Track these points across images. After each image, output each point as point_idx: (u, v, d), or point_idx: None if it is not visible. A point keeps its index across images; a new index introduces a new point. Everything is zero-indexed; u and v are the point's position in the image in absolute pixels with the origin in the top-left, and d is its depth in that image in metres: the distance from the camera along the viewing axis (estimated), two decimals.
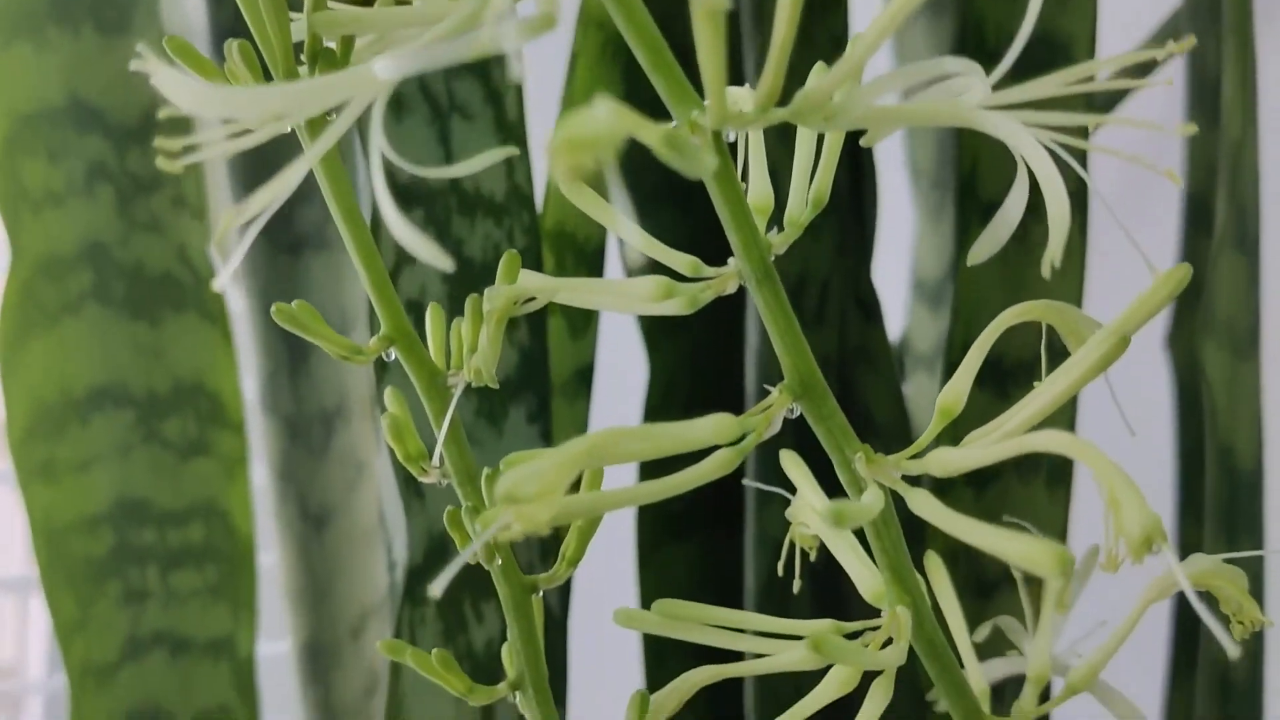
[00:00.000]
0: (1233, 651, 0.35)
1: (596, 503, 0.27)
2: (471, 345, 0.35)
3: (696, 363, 0.68)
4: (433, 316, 0.37)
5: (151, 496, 0.60)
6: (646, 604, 0.68)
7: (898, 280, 0.76)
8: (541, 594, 0.38)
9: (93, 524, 0.59)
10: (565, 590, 0.58)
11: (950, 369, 0.47)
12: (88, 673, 0.57)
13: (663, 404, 0.67)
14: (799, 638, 0.37)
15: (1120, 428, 0.67)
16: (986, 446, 0.28)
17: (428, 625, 0.54)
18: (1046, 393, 0.28)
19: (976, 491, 0.54)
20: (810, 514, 0.41)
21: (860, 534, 0.38)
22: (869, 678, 0.34)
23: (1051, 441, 0.27)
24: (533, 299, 0.34)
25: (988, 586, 0.55)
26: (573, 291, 0.34)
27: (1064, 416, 0.54)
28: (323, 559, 0.64)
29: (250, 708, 0.59)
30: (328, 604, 0.64)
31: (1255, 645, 0.65)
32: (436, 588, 0.27)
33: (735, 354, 0.68)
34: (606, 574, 0.64)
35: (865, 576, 0.37)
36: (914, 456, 0.32)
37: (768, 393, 0.68)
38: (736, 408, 0.68)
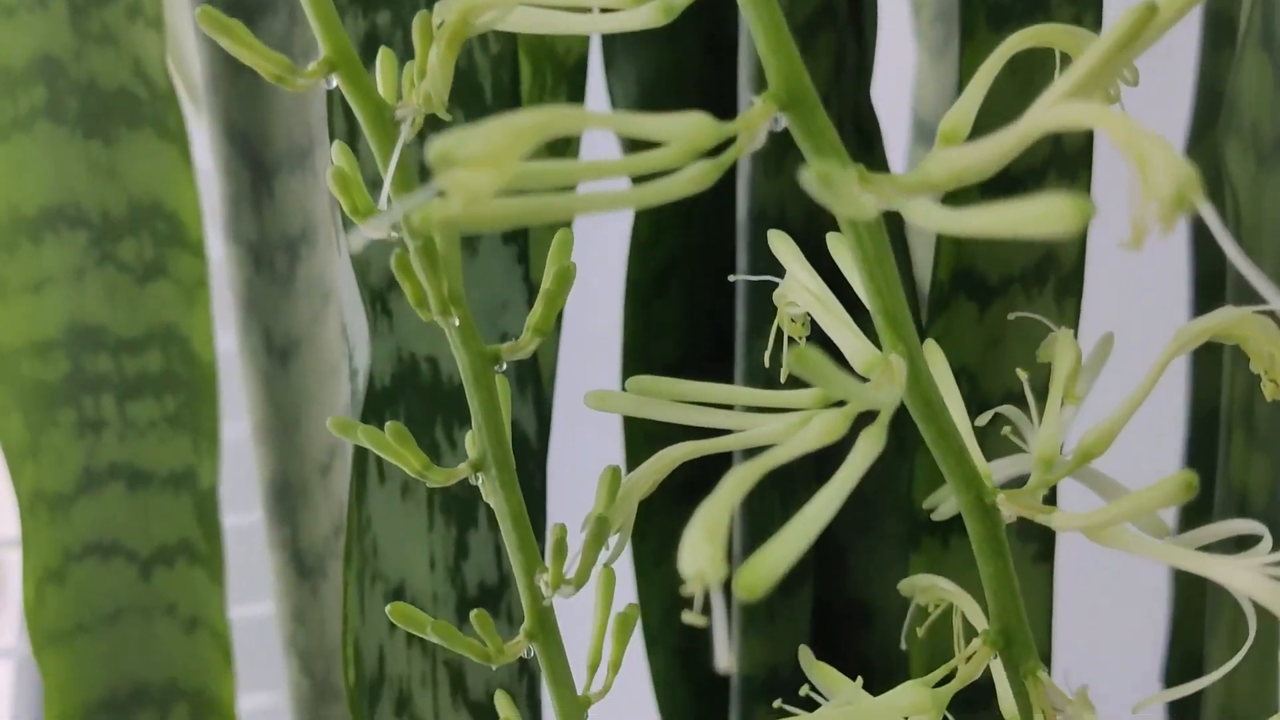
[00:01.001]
0: (1270, 393, 0.31)
1: (557, 176, 0.24)
2: (421, 69, 0.31)
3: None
4: (384, 60, 0.34)
5: (107, 322, 0.56)
6: (632, 444, 0.66)
7: (898, 118, 0.73)
8: (504, 367, 0.35)
9: (44, 349, 0.55)
10: (544, 417, 0.54)
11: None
12: (39, 501, 0.54)
13: (651, 237, 0.64)
14: (789, 410, 0.34)
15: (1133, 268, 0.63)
16: (991, 140, 0.24)
17: None
18: (1066, 79, 0.24)
19: (980, 308, 0.51)
20: (800, 291, 0.38)
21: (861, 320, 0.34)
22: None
23: (1065, 115, 0.23)
24: (490, 14, 0.30)
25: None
26: (534, 6, 0.31)
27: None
28: (288, 393, 0.61)
29: (213, 543, 0.57)
30: (294, 440, 0.61)
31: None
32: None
33: (727, 184, 0.64)
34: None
35: (858, 348, 0.34)
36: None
37: (760, 232, 0.64)
38: (728, 245, 0.65)
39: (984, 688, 0.48)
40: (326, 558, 0.62)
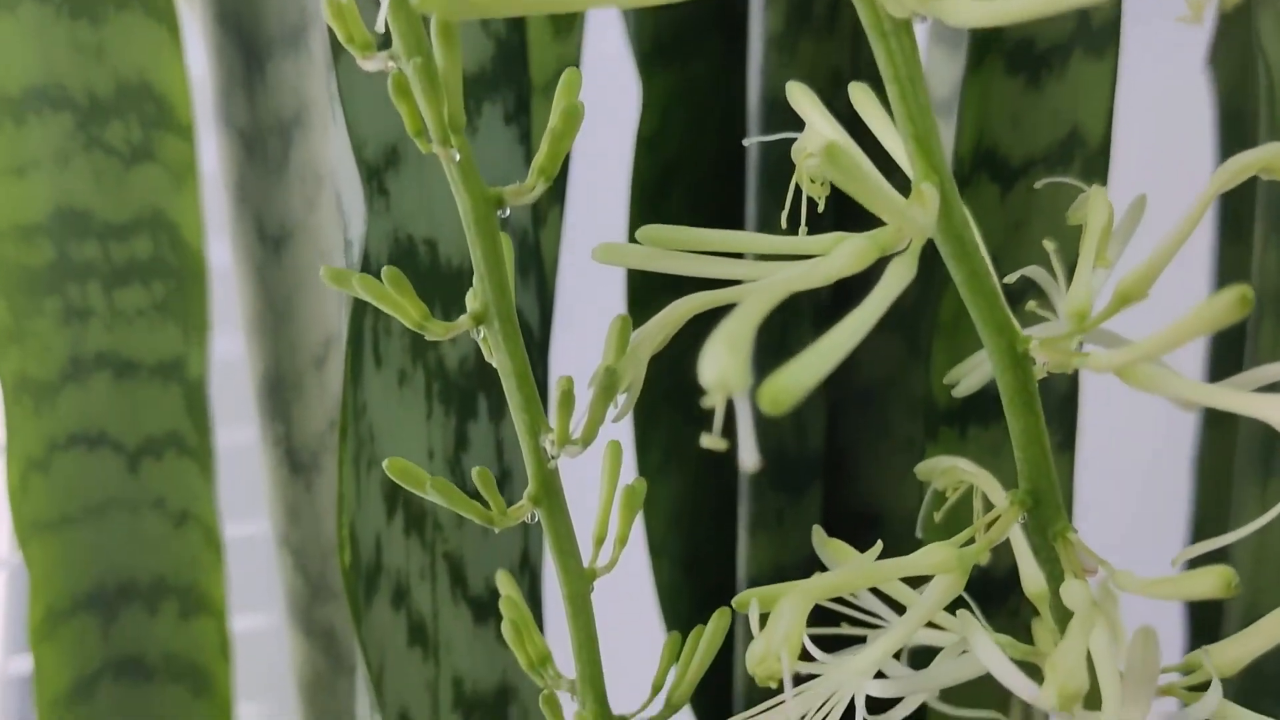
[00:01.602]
0: None
1: None
2: None
3: (694, 91, 0.63)
4: None
5: (93, 207, 0.54)
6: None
7: None
8: (507, 213, 0.33)
9: (29, 233, 0.53)
10: (546, 308, 0.53)
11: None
12: (23, 389, 0.52)
13: (658, 134, 0.62)
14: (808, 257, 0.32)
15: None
16: None
17: (393, 338, 0.49)
18: None
19: (1002, 191, 0.49)
20: (820, 142, 0.36)
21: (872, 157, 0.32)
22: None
23: None
24: None
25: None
26: None
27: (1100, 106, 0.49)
28: (281, 283, 0.59)
29: (203, 435, 0.55)
30: (287, 332, 0.59)
31: None
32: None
33: (737, 81, 0.62)
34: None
35: (882, 198, 0.32)
36: None
37: (773, 120, 0.62)
38: (736, 145, 0.63)
39: (998, 582, 0.47)
40: (321, 454, 0.61)
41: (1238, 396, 0.27)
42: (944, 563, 0.31)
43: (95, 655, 0.53)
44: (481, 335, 0.34)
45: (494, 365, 0.35)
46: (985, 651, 0.28)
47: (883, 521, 0.63)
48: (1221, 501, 0.53)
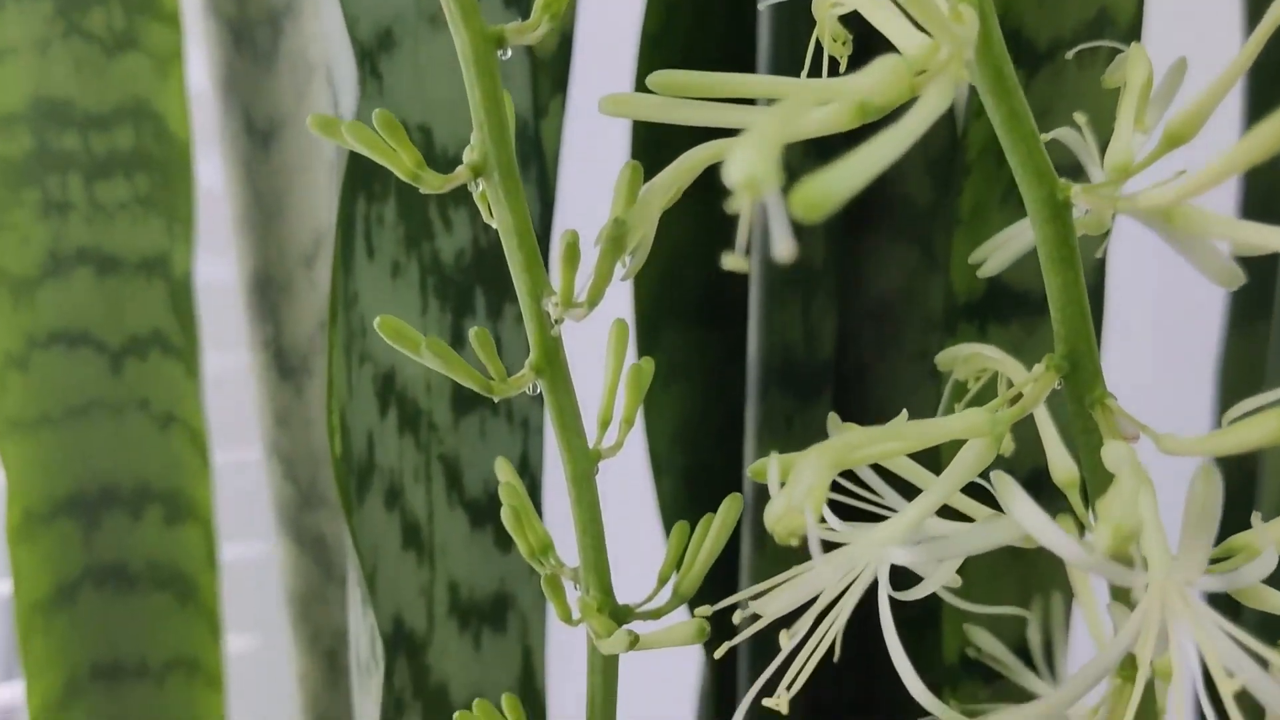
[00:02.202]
0: None
1: None
2: None
3: None
4: None
5: (74, 97, 0.52)
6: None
7: None
8: (508, 54, 0.31)
9: (6, 123, 0.51)
10: (547, 200, 0.50)
11: None
12: (1, 283, 0.50)
13: (664, 30, 0.59)
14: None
15: None
16: None
17: (386, 229, 0.47)
18: None
19: (1027, 75, 0.46)
20: None
21: None
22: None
23: None
24: None
25: None
26: None
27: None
28: (270, 178, 0.57)
29: (189, 333, 0.53)
30: (276, 229, 0.57)
31: None
32: None
33: None
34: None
35: (917, 40, 0.30)
36: None
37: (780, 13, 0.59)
38: (746, 40, 0.60)
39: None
40: (311, 356, 0.58)
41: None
42: (977, 426, 0.29)
43: (76, 562, 0.51)
44: (480, 189, 0.32)
45: (493, 226, 0.32)
46: (1022, 509, 0.26)
47: None
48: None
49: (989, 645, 0.47)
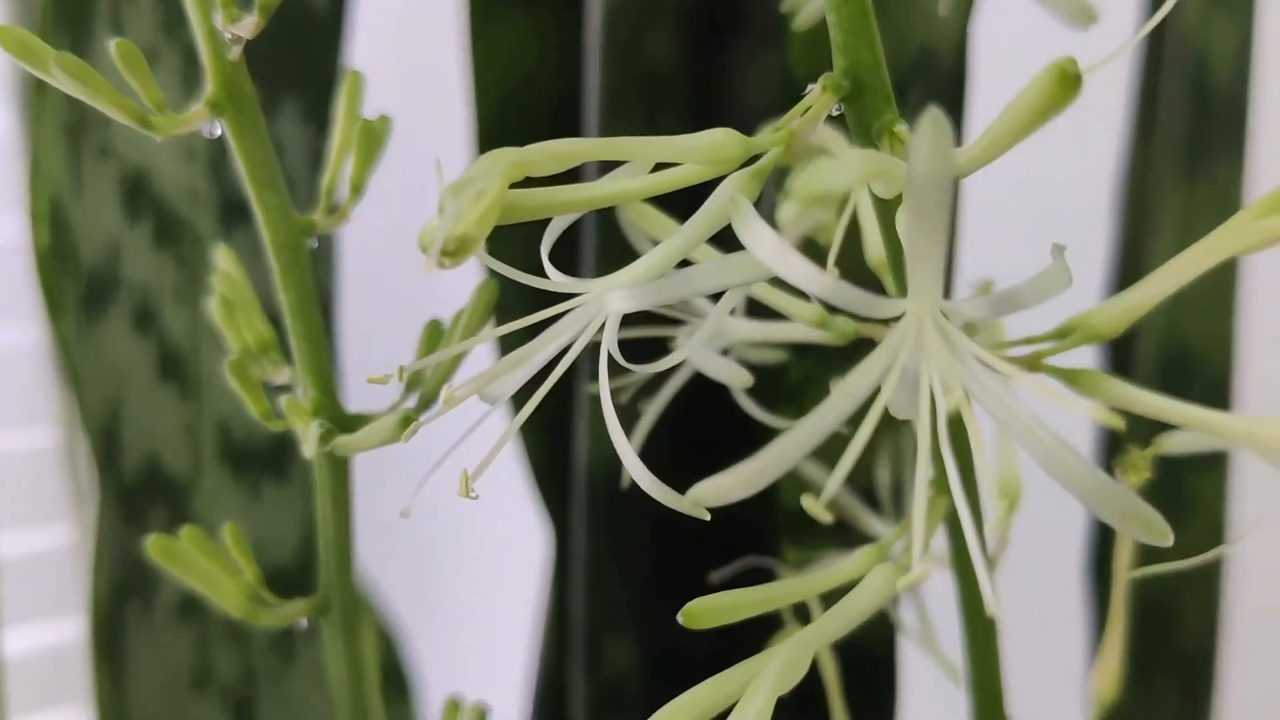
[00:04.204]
0: None
1: None
2: None
3: None
4: None
5: None
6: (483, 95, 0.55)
7: None
8: None
9: None
10: None
11: None
12: None
13: None
14: None
15: None
16: None
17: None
18: None
19: None
20: None
21: None
22: None
23: None
24: None
25: None
26: None
27: None
28: None
29: None
30: None
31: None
32: None
33: None
34: None
35: None
36: None
37: None
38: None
39: None
40: None
41: None
42: (721, 146, 0.23)
43: None
44: None
45: None
46: (758, 237, 0.20)
47: None
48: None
49: (826, 485, 0.41)
